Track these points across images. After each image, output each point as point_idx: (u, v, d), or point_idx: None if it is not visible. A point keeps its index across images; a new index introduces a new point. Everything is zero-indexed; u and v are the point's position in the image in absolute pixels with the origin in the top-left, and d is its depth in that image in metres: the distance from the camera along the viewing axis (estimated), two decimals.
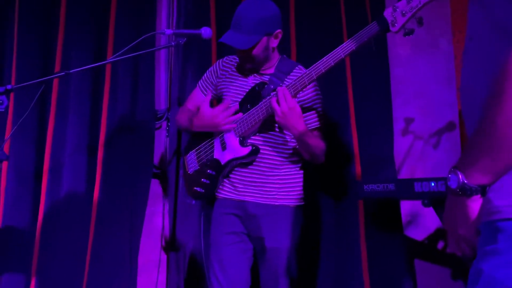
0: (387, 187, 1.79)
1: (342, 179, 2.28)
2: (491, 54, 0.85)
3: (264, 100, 1.67)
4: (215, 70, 1.88)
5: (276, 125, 1.73)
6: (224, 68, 1.86)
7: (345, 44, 1.52)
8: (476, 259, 0.78)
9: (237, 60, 1.84)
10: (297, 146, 1.73)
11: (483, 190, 0.78)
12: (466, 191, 0.78)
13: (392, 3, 1.53)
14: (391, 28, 1.45)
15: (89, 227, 2.28)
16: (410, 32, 1.45)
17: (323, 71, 1.57)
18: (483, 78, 0.86)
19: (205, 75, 1.91)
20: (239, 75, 1.83)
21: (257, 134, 1.73)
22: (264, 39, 1.69)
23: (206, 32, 1.74)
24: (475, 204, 0.79)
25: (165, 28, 2.51)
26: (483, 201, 0.79)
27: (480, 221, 0.79)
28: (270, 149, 1.74)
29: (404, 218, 2.32)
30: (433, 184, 1.68)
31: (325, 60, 1.56)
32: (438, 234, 2.38)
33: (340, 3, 2.43)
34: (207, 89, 1.88)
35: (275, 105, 1.59)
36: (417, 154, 2.53)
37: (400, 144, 2.50)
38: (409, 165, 2.51)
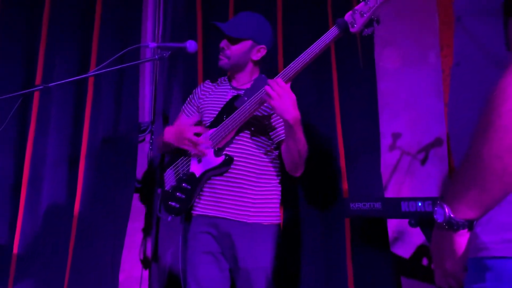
0: (374, 205, 1.76)
1: (328, 195, 2.25)
2: (480, 82, 0.83)
3: (240, 108, 1.66)
4: (196, 92, 1.93)
5: (252, 137, 1.72)
6: (205, 89, 1.91)
7: (309, 49, 1.55)
8: None
9: (217, 82, 1.89)
10: (285, 139, 1.66)
11: (470, 225, 0.75)
12: (452, 226, 0.75)
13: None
14: (350, 29, 1.50)
15: (69, 242, 2.22)
16: (369, 33, 1.52)
17: (291, 75, 1.59)
18: (471, 106, 0.84)
19: (188, 99, 1.95)
20: (219, 93, 1.85)
21: (232, 145, 1.72)
22: (249, 42, 1.76)
23: (191, 45, 1.73)
24: (462, 239, 0.76)
25: (151, 40, 2.48)
26: (470, 235, 0.76)
27: (468, 256, 0.76)
28: (245, 160, 1.71)
29: (391, 234, 2.29)
30: (420, 204, 1.66)
31: (291, 65, 1.58)
32: (424, 251, 2.36)
33: (327, 12, 2.43)
34: (190, 111, 1.92)
35: (269, 89, 1.56)
36: (405, 169, 2.51)
37: (388, 159, 2.48)
38: (397, 180, 2.49)
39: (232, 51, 1.76)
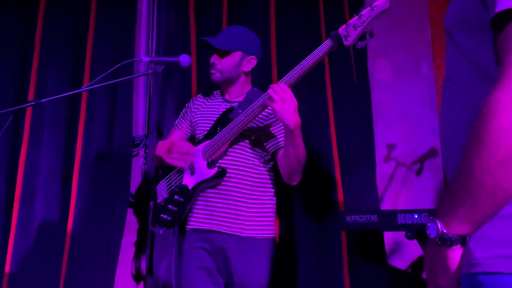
0: (370, 218, 1.75)
1: (324, 207, 2.24)
2: (472, 96, 0.83)
3: (234, 120, 1.65)
4: (189, 106, 1.93)
5: (246, 148, 1.71)
6: (197, 103, 1.91)
7: (304, 61, 1.55)
8: None
9: (210, 96, 1.90)
10: (285, 145, 1.63)
11: (463, 240, 0.74)
12: (445, 241, 0.75)
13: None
14: (344, 42, 1.51)
15: (62, 258, 2.19)
16: (362, 46, 1.53)
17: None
18: (462, 120, 0.84)
19: (181, 113, 1.95)
20: (212, 105, 1.86)
21: (226, 157, 1.71)
22: (239, 53, 1.77)
23: (185, 60, 1.73)
24: (455, 255, 0.76)
25: (144, 54, 2.48)
26: (463, 251, 0.75)
27: (461, 272, 0.75)
28: (238, 172, 1.70)
29: (387, 246, 2.28)
30: (416, 216, 1.65)
31: (285, 79, 1.57)
32: (422, 262, 2.35)
33: (321, 27, 2.44)
34: (182, 124, 1.92)
35: (272, 92, 1.54)
36: (400, 180, 2.51)
37: (383, 170, 2.48)
38: (392, 191, 2.49)
39: (223, 65, 1.77)
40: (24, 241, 2.20)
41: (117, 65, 1.66)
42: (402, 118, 2.60)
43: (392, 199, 2.47)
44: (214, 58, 1.79)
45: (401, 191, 2.49)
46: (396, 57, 2.70)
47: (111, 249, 2.20)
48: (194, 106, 1.91)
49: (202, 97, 1.93)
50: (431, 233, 0.76)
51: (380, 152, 2.49)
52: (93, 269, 2.18)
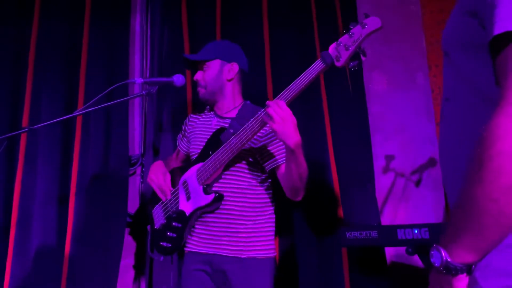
0: (370, 234, 1.73)
1: (324, 224, 2.21)
2: (469, 117, 0.82)
3: (226, 143, 1.60)
4: (185, 123, 1.93)
5: (242, 170, 1.68)
6: (192, 121, 1.90)
7: (295, 83, 1.48)
8: None
9: (203, 113, 1.88)
10: (286, 163, 1.58)
11: (468, 269, 0.72)
12: (450, 270, 0.73)
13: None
14: (336, 64, 1.44)
15: (61, 282, 2.15)
16: (355, 65, 1.45)
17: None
18: (459, 142, 0.83)
19: (180, 134, 1.95)
20: (204, 122, 1.83)
21: (222, 181, 1.67)
22: (217, 61, 1.76)
23: (178, 79, 1.72)
24: (461, 284, 0.74)
25: (139, 72, 2.47)
26: (469, 280, 0.73)
27: None
28: (236, 196, 1.67)
29: (389, 258, 2.26)
30: (416, 231, 1.63)
31: (283, 96, 1.50)
32: (424, 276, 2.32)
33: (314, 38, 2.44)
34: (184, 145, 1.92)
35: (271, 111, 1.46)
36: (400, 191, 2.49)
37: (382, 182, 2.47)
38: (392, 203, 2.47)
39: (205, 78, 1.76)
40: (22, 265, 2.16)
41: (111, 88, 1.65)
42: (400, 128, 2.59)
43: (392, 211, 2.46)
44: (197, 76, 1.78)
45: (401, 202, 2.48)
46: (392, 68, 2.70)
47: (109, 271, 2.16)
48: (189, 124, 1.89)
49: (194, 115, 1.91)
50: (436, 261, 0.74)
51: (378, 164, 2.48)
52: None
